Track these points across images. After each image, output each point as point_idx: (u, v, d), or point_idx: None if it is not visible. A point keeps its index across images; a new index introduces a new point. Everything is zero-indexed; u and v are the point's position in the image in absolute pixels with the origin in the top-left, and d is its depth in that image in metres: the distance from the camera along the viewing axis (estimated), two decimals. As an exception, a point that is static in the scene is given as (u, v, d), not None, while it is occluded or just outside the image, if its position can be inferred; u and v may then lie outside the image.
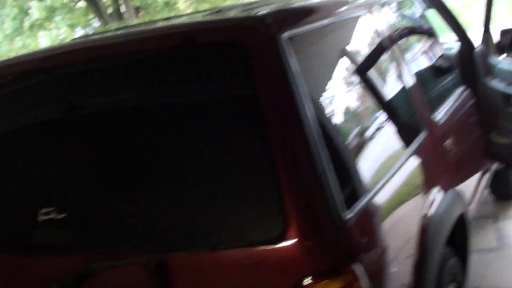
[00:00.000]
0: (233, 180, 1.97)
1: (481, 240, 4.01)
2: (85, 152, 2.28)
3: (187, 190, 2.03)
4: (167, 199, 2.07)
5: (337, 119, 2.27)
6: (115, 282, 2.13)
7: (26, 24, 14.84)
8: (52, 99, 2.33)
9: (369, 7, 2.83)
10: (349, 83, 2.47)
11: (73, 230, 2.16)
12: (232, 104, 2.02)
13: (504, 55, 4.29)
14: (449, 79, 3.70)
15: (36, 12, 14.64)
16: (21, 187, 2.36)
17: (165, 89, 2.14)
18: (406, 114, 2.83)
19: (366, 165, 2.26)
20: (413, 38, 3.49)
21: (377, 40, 2.80)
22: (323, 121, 2.08)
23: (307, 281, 1.89)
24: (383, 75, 2.81)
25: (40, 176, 2.33)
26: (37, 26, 14.98)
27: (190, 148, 2.06)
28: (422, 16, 3.76)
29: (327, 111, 2.20)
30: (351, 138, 2.29)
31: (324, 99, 2.22)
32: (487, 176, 3.87)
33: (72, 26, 15.25)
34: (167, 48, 2.12)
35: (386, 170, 2.37)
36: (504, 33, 4.41)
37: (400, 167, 2.46)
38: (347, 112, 2.38)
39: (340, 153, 2.16)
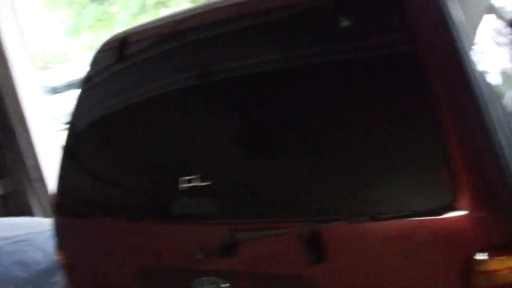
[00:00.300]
0: (395, 143, 1.79)
1: None
2: (228, 117, 2.19)
3: (344, 155, 1.87)
4: (322, 165, 1.92)
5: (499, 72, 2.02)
6: (263, 253, 2.02)
7: (150, 2, 15.22)
8: (193, 63, 2.25)
9: None
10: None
11: (217, 198, 2.07)
12: (390, 61, 1.83)
13: None
14: None
15: (159, -11, 14.99)
16: (162, 154, 2.31)
17: (314, 48, 1.97)
18: None
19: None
20: None
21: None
22: (488, 75, 1.85)
23: (481, 256, 1.68)
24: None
25: (181, 143, 2.27)
26: (160, 3, 15.34)
27: (344, 111, 1.90)
28: None
29: (490, 63, 1.96)
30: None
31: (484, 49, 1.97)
32: None
33: (194, 2, 15.46)
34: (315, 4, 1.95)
35: None
36: None
37: None
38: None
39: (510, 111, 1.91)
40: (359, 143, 1.86)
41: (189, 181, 2.11)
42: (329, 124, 1.92)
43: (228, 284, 2.12)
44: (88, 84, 2.75)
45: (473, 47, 1.89)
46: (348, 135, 1.88)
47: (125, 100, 2.57)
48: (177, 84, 2.34)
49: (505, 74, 2.15)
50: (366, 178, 1.82)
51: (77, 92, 2.75)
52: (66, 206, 2.68)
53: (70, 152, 2.73)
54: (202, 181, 2.09)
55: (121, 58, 2.55)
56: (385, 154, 1.81)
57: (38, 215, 6.02)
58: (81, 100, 2.76)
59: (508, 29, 2.43)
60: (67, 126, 2.77)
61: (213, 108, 2.23)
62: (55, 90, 13.51)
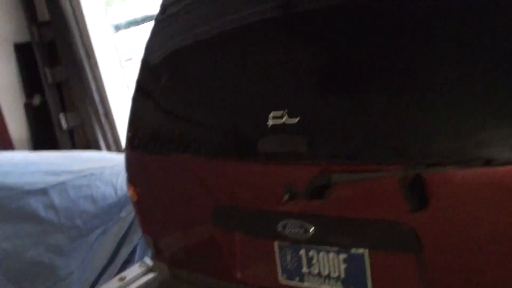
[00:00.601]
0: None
1: None
2: (318, 47, 1.98)
3: (456, 90, 1.63)
4: (430, 101, 1.68)
5: None
6: (356, 197, 1.83)
7: None
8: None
9: None
10: None
11: (308, 136, 1.87)
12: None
13: None
14: None
15: None
16: (247, 88, 2.13)
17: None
18: None
19: None
20: None
21: None
22: None
23: None
24: None
25: (267, 76, 2.08)
26: None
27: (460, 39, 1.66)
28: None
29: None
30: None
31: None
32: None
33: None
34: None
35: None
36: None
37: None
38: None
39: None
40: (473, 76, 1.63)
41: (278, 116, 1.92)
42: (440, 53, 1.68)
43: (313, 228, 1.94)
44: (162, 17, 2.58)
45: None
46: (461, 66, 1.64)
47: (204, 31, 2.38)
48: (263, 11, 2.13)
49: None
50: (480, 118, 1.58)
51: (141, 28, 2.60)
52: (139, 141, 2.55)
53: (144, 86, 2.59)
54: (292, 117, 1.89)
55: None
56: (502, 90, 1.57)
57: (104, 150, 6.01)
58: (155, 33, 2.60)
59: None
60: (140, 60, 2.63)
61: (303, 37, 2.02)
62: (117, 28, 13.48)
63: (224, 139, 2.16)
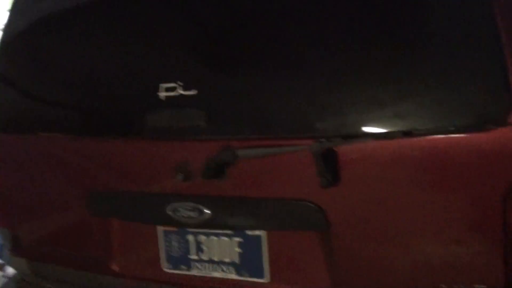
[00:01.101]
0: (436, 43, 1.50)
1: None
2: (217, 13, 1.81)
3: (369, 55, 1.55)
4: (341, 68, 1.58)
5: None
6: (262, 174, 1.70)
7: None
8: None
9: None
10: None
11: (207, 110, 1.71)
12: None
13: None
14: None
15: None
16: (134, 58, 1.89)
17: None
18: None
19: None
20: None
21: None
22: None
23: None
24: None
25: (158, 45, 1.86)
26: None
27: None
28: None
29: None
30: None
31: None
32: None
33: None
34: None
35: None
36: None
37: None
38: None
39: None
40: (390, 42, 1.55)
41: (171, 88, 1.74)
42: (348, 23, 1.61)
43: (210, 211, 1.79)
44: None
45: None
46: (378, 30, 1.57)
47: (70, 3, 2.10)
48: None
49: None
50: (399, 86, 1.51)
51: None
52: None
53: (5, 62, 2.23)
54: (187, 89, 1.72)
55: None
56: (422, 55, 1.52)
57: None
58: (15, 11, 2.26)
59: None
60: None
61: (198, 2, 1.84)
62: None
63: (102, 115, 1.92)
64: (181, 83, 1.71)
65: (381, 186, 1.56)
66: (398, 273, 1.63)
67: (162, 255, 1.96)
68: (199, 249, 1.90)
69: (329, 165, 1.54)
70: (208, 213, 1.78)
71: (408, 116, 1.48)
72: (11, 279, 2.51)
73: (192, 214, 1.79)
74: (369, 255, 1.65)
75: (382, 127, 1.51)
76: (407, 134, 1.47)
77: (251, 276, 1.85)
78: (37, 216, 2.19)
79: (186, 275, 1.94)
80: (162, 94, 1.73)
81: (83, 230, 2.09)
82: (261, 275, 1.84)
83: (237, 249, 1.84)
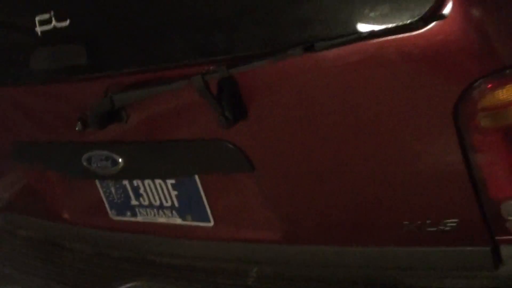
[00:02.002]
0: None
1: None
2: None
3: None
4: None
5: None
6: (162, 113, 1.39)
7: None
8: None
9: None
10: None
11: (85, 44, 1.36)
12: None
13: None
14: None
15: None
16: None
17: None
18: None
19: None
20: None
21: None
22: None
23: (481, 84, 1.06)
24: None
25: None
26: None
27: None
28: None
29: None
30: None
31: None
32: None
33: None
34: None
35: None
36: None
37: None
38: None
39: None
40: None
41: (46, 20, 1.40)
42: None
43: (122, 160, 1.50)
44: None
45: None
46: None
47: None
48: None
49: None
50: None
51: None
52: None
53: None
54: (60, 20, 1.37)
55: None
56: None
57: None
58: None
59: None
60: None
61: None
62: None
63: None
64: (54, 13, 1.36)
65: (301, 113, 1.20)
66: (344, 213, 1.31)
67: (106, 203, 1.73)
68: (138, 195, 1.66)
69: (225, 100, 1.19)
70: (120, 162, 1.49)
71: (311, 26, 1.08)
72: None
73: (106, 163, 1.51)
74: (306, 195, 1.33)
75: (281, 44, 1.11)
76: (308, 49, 1.08)
77: (194, 220, 1.60)
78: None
79: (133, 221, 1.73)
80: (38, 29, 1.40)
81: (28, 181, 1.89)
82: (206, 219, 1.57)
83: (174, 192, 1.57)
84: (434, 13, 1.00)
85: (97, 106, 1.33)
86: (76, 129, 1.44)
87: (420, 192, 1.22)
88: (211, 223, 1.57)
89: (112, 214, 1.75)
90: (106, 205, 1.74)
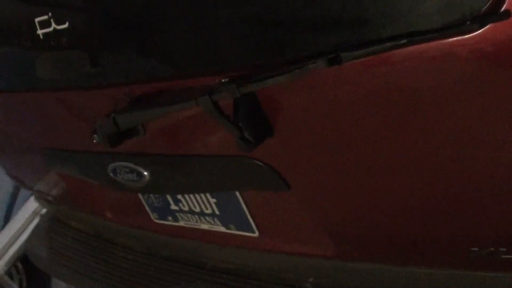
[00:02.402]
0: None
1: None
2: None
3: None
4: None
5: None
6: (179, 129, 1.19)
7: None
8: None
9: None
10: None
11: (88, 49, 1.17)
12: None
13: None
14: None
15: None
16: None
17: None
18: None
19: None
20: None
21: None
22: None
23: None
24: None
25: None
26: None
27: None
28: None
29: None
30: None
31: None
32: None
33: None
34: None
35: None
36: None
37: None
38: None
39: None
40: None
41: (45, 22, 1.21)
42: None
43: (149, 174, 1.33)
44: None
45: None
46: None
47: None
48: None
49: None
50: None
51: None
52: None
53: None
54: (60, 22, 1.18)
55: None
56: None
57: None
58: None
59: None
60: None
61: None
62: None
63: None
64: (52, 14, 1.18)
65: (335, 126, 0.98)
66: (398, 233, 1.09)
67: (146, 206, 1.59)
68: (177, 201, 1.50)
69: (243, 120, 0.97)
70: (146, 175, 1.32)
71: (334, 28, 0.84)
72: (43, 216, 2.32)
73: (131, 176, 1.35)
74: (355, 211, 1.11)
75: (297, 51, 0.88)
76: (333, 61, 0.84)
77: (238, 229, 1.42)
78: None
79: (176, 225, 1.57)
80: (40, 32, 1.23)
81: (71, 179, 1.78)
82: (250, 229, 1.40)
83: (213, 200, 1.40)
84: (493, 12, 0.73)
85: (100, 127, 1.15)
86: (94, 141, 1.28)
87: (491, 216, 0.98)
88: (256, 234, 1.40)
89: (154, 217, 1.61)
90: (147, 209, 1.60)
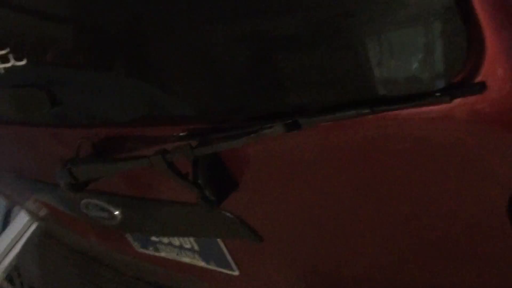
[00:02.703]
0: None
1: None
2: None
3: None
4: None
5: None
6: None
7: None
8: None
9: None
10: None
11: (46, 88, 1.09)
12: None
13: None
14: None
15: None
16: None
17: None
18: None
19: None
20: None
21: None
22: None
23: None
24: None
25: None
26: None
27: None
28: None
29: None
30: None
31: None
32: None
33: None
34: None
35: None
36: None
37: None
38: None
39: None
40: None
41: (3, 56, 1.13)
42: None
43: (118, 212, 1.26)
44: None
45: None
46: None
47: None
48: None
49: None
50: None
51: None
52: None
53: None
54: (18, 58, 1.10)
55: None
56: None
57: None
58: None
59: None
60: None
61: None
62: None
63: None
64: (10, 48, 1.10)
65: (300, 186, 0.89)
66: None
67: (128, 236, 1.52)
68: (156, 233, 1.41)
69: (202, 179, 0.89)
70: (117, 215, 1.25)
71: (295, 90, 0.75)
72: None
73: (103, 214, 1.28)
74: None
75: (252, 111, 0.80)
76: (291, 126, 0.75)
77: (218, 266, 1.35)
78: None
79: (158, 256, 1.50)
80: (1, 66, 1.15)
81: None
82: (230, 268, 1.32)
83: (191, 238, 1.32)
84: (467, 82, 0.64)
85: (60, 176, 1.07)
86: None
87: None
88: (236, 272, 1.32)
89: (136, 247, 1.55)
90: (129, 238, 1.53)
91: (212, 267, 1.38)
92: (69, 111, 1.09)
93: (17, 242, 2.57)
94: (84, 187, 1.07)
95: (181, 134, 0.89)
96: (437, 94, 0.66)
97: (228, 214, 1.04)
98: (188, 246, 1.37)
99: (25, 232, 2.53)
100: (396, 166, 0.79)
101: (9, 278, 2.85)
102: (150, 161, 0.88)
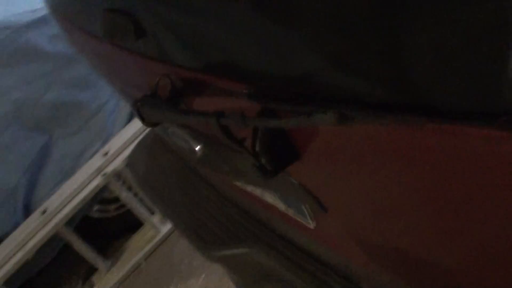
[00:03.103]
0: None
1: None
2: None
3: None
4: None
5: None
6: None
7: None
8: None
9: None
10: None
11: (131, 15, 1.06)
12: None
13: None
14: None
15: None
16: None
17: None
18: None
19: None
20: None
21: None
22: None
23: None
24: None
25: None
26: None
27: None
28: None
29: None
30: None
31: None
32: None
33: None
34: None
35: None
36: None
37: None
38: None
39: None
40: None
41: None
42: None
43: (198, 147, 1.24)
44: None
45: None
46: None
47: None
48: None
49: None
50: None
51: None
52: None
53: None
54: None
55: None
56: None
57: None
58: None
59: None
60: None
61: None
62: None
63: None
64: None
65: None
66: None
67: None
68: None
69: (260, 146, 0.84)
70: (198, 151, 1.24)
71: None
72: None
73: (185, 145, 1.28)
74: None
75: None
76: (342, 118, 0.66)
77: (296, 214, 1.33)
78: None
79: (246, 190, 1.51)
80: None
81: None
82: (306, 218, 1.29)
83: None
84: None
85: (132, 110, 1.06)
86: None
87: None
88: (311, 225, 1.28)
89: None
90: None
91: (291, 213, 1.35)
92: (152, 44, 1.06)
93: (136, 139, 2.71)
94: (155, 125, 1.05)
95: (245, 91, 0.82)
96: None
97: (293, 179, 0.98)
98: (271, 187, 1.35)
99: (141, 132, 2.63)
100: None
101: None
102: (208, 121, 0.83)
